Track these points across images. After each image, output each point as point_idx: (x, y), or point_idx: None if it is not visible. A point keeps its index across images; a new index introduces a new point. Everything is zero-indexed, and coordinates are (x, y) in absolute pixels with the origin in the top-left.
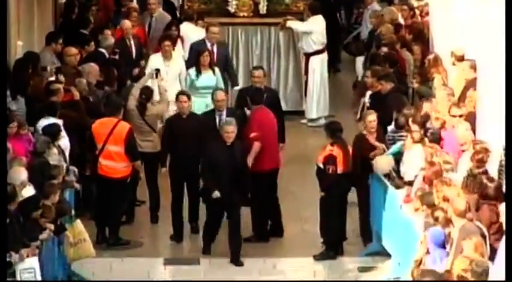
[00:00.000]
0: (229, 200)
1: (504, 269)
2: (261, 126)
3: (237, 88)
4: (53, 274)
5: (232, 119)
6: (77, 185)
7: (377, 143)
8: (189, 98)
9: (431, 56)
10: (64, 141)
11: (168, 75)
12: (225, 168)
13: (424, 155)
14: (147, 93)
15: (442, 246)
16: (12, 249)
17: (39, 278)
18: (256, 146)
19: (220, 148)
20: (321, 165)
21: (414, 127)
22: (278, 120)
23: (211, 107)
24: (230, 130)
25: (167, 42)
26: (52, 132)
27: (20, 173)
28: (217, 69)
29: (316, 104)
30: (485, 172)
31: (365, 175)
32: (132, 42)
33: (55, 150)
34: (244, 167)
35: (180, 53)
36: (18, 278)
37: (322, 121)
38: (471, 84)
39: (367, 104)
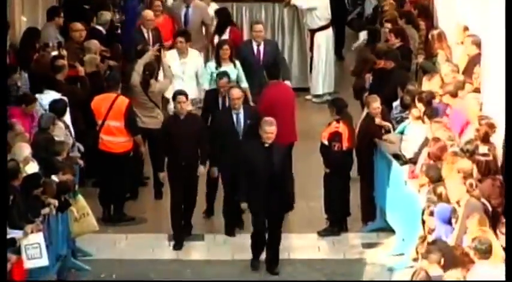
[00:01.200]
0: (267, 208)
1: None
2: (272, 101)
3: (288, 82)
4: (57, 250)
5: (273, 119)
6: (81, 161)
7: (383, 122)
8: (187, 97)
9: (435, 32)
10: (67, 117)
11: (184, 74)
12: (262, 173)
13: (423, 132)
14: (150, 70)
15: (448, 222)
16: (16, 225)
17: (44, 253)
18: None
19: (256, 150)
20: (326, 142)
21: (419, 105)
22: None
23: None
24: (270, 131)
25: (180, 39)
26: (58, 109)
27: (23, 149)
28: (238, 63)
29: (322, 80)
30: (477, 148)
31: (369, 152)
32: (150, 34)
33: (61, 125)
34: (285, 171)
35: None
36: (23, 254)
37: (327, 97)
38: (474, 60)
39: (370, 81)
